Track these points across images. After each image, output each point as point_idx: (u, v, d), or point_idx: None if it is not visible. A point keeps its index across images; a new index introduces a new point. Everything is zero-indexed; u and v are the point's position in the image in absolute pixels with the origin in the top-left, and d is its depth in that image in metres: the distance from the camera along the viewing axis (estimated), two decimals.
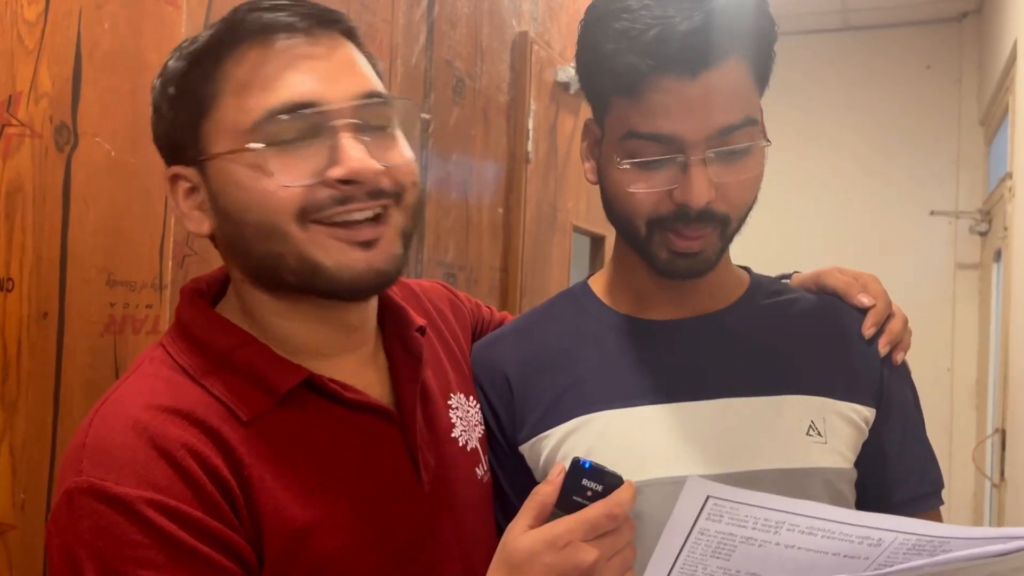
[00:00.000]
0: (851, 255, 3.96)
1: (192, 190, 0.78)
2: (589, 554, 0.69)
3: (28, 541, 0.95)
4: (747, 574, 0.66)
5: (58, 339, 0.98)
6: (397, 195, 0.76)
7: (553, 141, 2.34)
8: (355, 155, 0.71)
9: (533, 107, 2.18)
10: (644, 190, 0.83)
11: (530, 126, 2.16)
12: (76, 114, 1.00)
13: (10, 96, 0.92)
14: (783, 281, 1.00)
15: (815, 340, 0.90)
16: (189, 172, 0.77)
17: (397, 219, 0.76)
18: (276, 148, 0.71)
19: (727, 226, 0.85)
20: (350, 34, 0.79)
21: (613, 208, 0.89)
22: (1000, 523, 2.98)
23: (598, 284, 0.99)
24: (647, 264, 0.88)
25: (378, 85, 0.78)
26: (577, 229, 2.52)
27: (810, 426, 0.84)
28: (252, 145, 0.70)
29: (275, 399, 0.74)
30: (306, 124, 0.71)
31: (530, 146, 2.16)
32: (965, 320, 3.95)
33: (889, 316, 0.93)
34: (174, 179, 0.79)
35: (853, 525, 0.63)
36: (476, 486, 0.87)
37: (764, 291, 0.95)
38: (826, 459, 0.84)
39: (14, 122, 0.92)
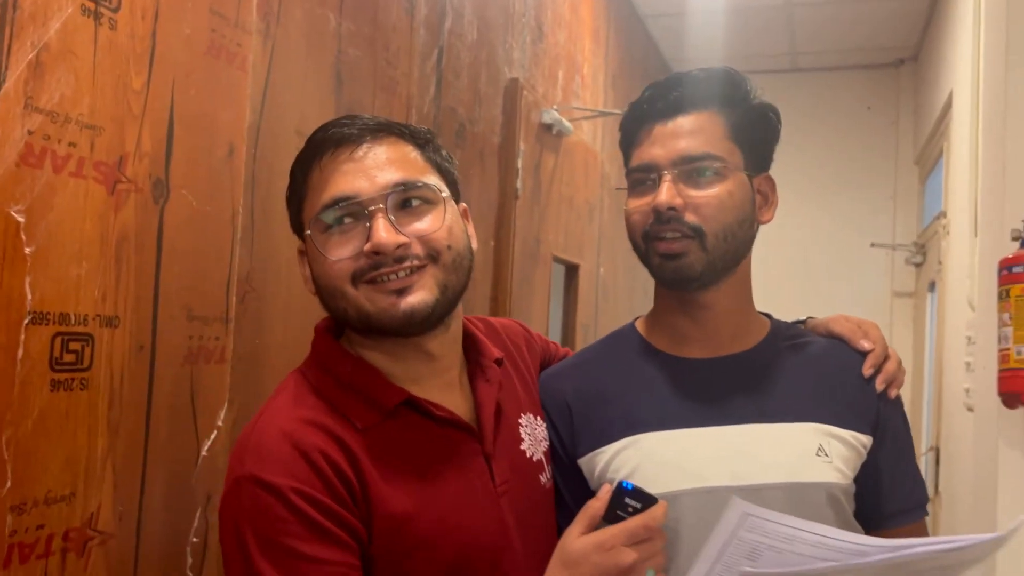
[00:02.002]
0: (798, 282, 4.23)
1: (303, 255, 1.00)
2: (629, 556, 0.88)
3: (125, 548, 1.07)
4: (769, 571, 0.84)
5: (151, 369, 1.11)
6: (432, 256, 0.94)
7: (538, 178, 2.51)
8: (380, 233, 0.91)
9: (522, 147, 2.35)
10: (635, 206, 1.05)
11: (519, 165, 2.33)
12: (168, 170, 1.13)
13: (120, 157, 1.05)
14: (799, 326, 1.17)
15: (824, 378, 1.07)
16: (301, 244, 1.00)
17: (434, 273, 0.94)
18: (326, 233, 0.93)
19: (703, 238, 1.01)
20: (404, 135, 0.98)
21: (628, 233, 1.09)
22: (935, 533, 3.22)
23: (642, 324, 1.16)
24: (652, 275, 1.08)
25: (413, 173, 0.95)
26: (556, 259, 2.70)
27: (819, 448, 1.01)
28: (308, 232, 0.95)
29: (383, 413, 0.93)
30: (346, 212, 0.93)
31: (519, 183, 2.33)
32: (901, 344, 4.23)
33: (886, 358, 1.09)
34: (301, 250, 1.00)
35: (845, 542, 0.80)
36: (540, 490, 1.05)
37: (783, 335, 1.12)
38: (829, 475, 1.01)
39: (124, 179, 1.05)
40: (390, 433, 0.93)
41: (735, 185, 1.03)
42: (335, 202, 0.92)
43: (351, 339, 0.99)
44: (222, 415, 1.24)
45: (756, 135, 1.07)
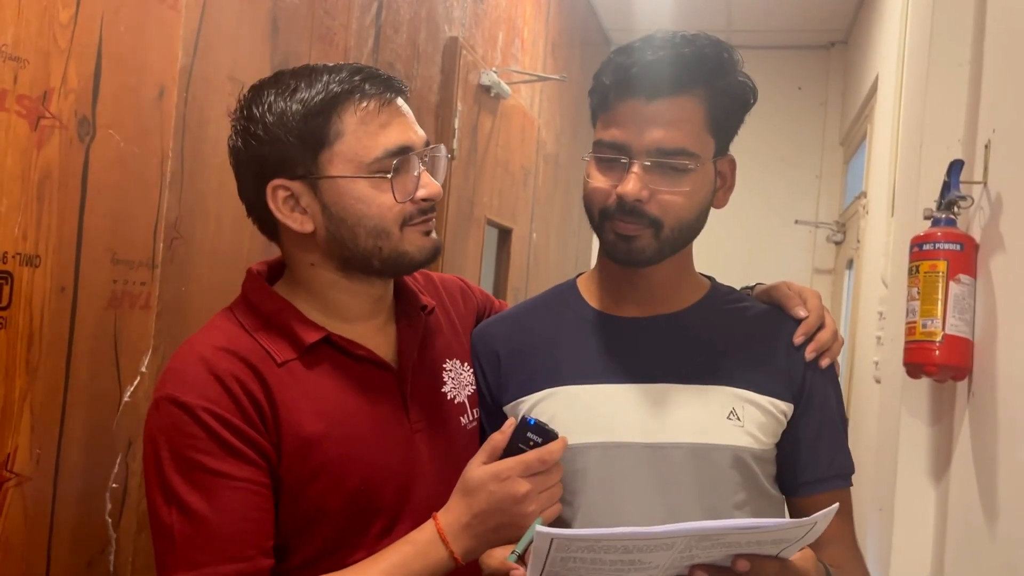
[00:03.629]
0: (723, 257, 4.33)
1: (291, 198, 1.00)
2: (523, 486, 0.94)
3: (42, 491, 1.06)
4: (591, 567, 0.83)
5: (72, 311, 1.09)
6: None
7: (474, 140, 2.51)
8: (431, 183, 1.02)
9: (459, 108, 2.35)
10: (599, 183, 1.03)
11: (456, 125, 2.33)
12: (95, 109, 1.10)
13: (45, 92, 1.02)
14: (746, 291, 1.19)
15: (752, 342, 1.09)
16: (294, 185, 0.99)
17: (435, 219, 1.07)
18: (392, 175, 0.98)
19: (660, 229, 1.02)
20: (406, 95, 1.05)
21: (584, 201, 1.08)
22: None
23: (582, 281, 1.18)
24: (603, 249, 1.08)
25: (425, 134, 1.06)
26: (489, 222, 2.71)
27: (731, 411, 1.04)
28: (383, 175, 0.98)
29: (301, 349, 0.99)
30: (404, 160, 0.99)
31: (455, 144, 2.33)
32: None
33: (820, 327, 1.09)
34: (275, 189, 0.99)
35: (647, 538, 0.79)
36: (460, 430, 1.11)
37: (721, 298, 1.14)
38: (739, 439, 1.03)
39: (48, 115, 1.02)
40: (308, 367, 0.99)
41: (701, 181, 1.03)
42: (401, 149, 0.98)
43: (304, 281, 1.04)
44: (146, 361, 1.22)
45: (732, 119, 1.06)
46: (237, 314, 1.01)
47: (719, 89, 1.02)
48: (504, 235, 2.92)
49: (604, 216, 1.04)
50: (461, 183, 2.42)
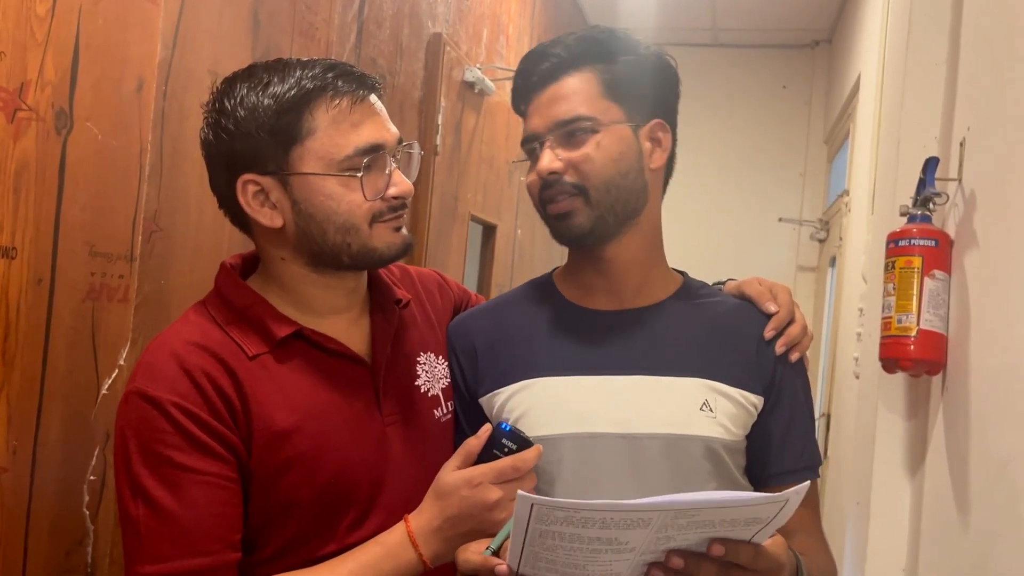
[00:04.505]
0: (708, 254, 4.36)
1: (261, 193, 1.00)
2: (495, 493, 0.94)
3: (19, 482, 1.06)
4: (569, 546, 0.83)
5: (49, 303, 1.09)
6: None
7: (458, 136, 2.51)
8: (402, 181, 1.03)
9: (443, 104, 2.35)
10: (530, 177, 1.10)
11: (439, 121, 2.33)
12: (73, 101, 1.10)
13: (22, 83, 1.02)
14: (718, 287, 1.21)
15: (723, 336, 1.11)
16: (265, 180, 0.99)
17: (406, 215, 1.08)
18: (356, 175, 0.99)
19: (587, 194, 1.05)
20: (380, 91, 1.05)
21: (534, 205, 1.13)
22: (823, 495, 3.41)
23: (558, 274, 1.20)
24: (552, 236, 1.11)
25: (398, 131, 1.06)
26: (473, 218, 2.72)
27: (704, 403, 1.05)
28: (353, 173, 0.98)
29: (272, 343, 0.99)
30: (375, 158, 1.00)
31: (438, 140, 2.33)
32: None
33: (791, 322, 1.11)
34: (244, 184, 1.00)
35: (626, 511, 0.79)
36: (433, 424, 1.11)
37: (693, 293, 1.16)
38: (710, 430, 1.05)
39: (24, 107, 1.02)
40: (279, 361, 0.99)
41: (611, 139, 1.06)
42: (372, 148, 0.99)
43: (275, 276, 1.04)
44: (124, 354, 1.23)
45: (640, 86, 1.09)
46: (210, 308, 1.01)
47: (612, 63, 1.08)
48: (488, 231, 2.93)
49: (541, 204, 1.09)
50: (445, 179, 2.43)
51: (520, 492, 0.80)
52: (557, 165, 1.05)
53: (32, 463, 1.08)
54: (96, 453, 1.19)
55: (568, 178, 1.06)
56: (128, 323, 1.23)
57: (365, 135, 0.99)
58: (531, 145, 1.10)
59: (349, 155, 0.98)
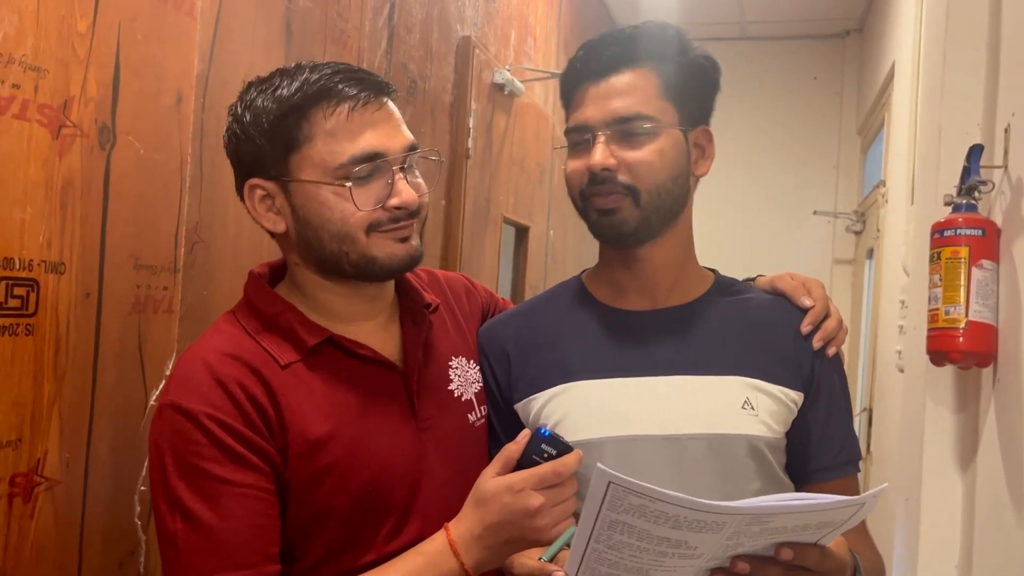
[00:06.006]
0: (742, 247, 4.32)
1: (267, 197, 1.01)
2: (536, 500, 0.91)
3: (72, 495, 1.07)
4: (637, 544, 0.81)
5: (97, 317, 1.10)
6: (419, 211, 1.03)
7: (489, 138, 2.51)
8: (405, 190, 0.99)
9: (474, 107, 2.35)
10: (573, 167, 1.08)
11: (471, 124, 2.33)
12: (115, 116, 1.11)
13: (65, 100, 1.03)
14: (749, 283, 1.19)
15: (760, 333, 1.09)
16: (269, 185, 1.00)
17: (417, 225, 1.05)
18: (356, 183, 0.97)
19: (637, 196, 1.04)
20: (393, 96, 1.03)
21: (567, 189, 1.11)
22: (866, 489, 3.36)
23: (588, 276, 1.18)
24: (592, 232, 1.10)
25: (412, 137, 1.03)
26: (506, 220, 2.71)
27: (745, 401, 1.04)
28: (343, 182, 0.96)
29: (304, 351, 0.99)
30: (375, 167, 0.98)
31: (470, 143, 2.33)
32: (839, 309, 4.35)
33: (826, 316, 1.10)
34: (251, 188, 1.00)
35: (704, 511, 0.77)
36: (467, 428, 1.10)
37: (725, 290, 1.14)
38: (753, 428, 1.03)
39: (68, 124, 1.04)
40: (311, 369, 0.99)
41: (668, 143, 1.05)
42: (369, 156, 0.97)
43: (296, 282, 1.04)
44: (170, 365, 1.24)
45: (691, 89, 1.08)
46: (240, 317, 1.01)
47: (669, 62, 1.06)
48: (521, 233, 2.93)
49: (583, 196, 1.07)
50: (477, 182, 2.43)
51: (599, 465, 0.76)
52: (612, 162, 1.03)
53: (85, 475, 1.09)
54: (146, 464, 1.20)
55: (622, 177, 1.04)
56: (173, 334, 1.25)
57: (363, 143, 0.97)
58: (582, 136, 1.07)
59: (344, 163, 0.96)
